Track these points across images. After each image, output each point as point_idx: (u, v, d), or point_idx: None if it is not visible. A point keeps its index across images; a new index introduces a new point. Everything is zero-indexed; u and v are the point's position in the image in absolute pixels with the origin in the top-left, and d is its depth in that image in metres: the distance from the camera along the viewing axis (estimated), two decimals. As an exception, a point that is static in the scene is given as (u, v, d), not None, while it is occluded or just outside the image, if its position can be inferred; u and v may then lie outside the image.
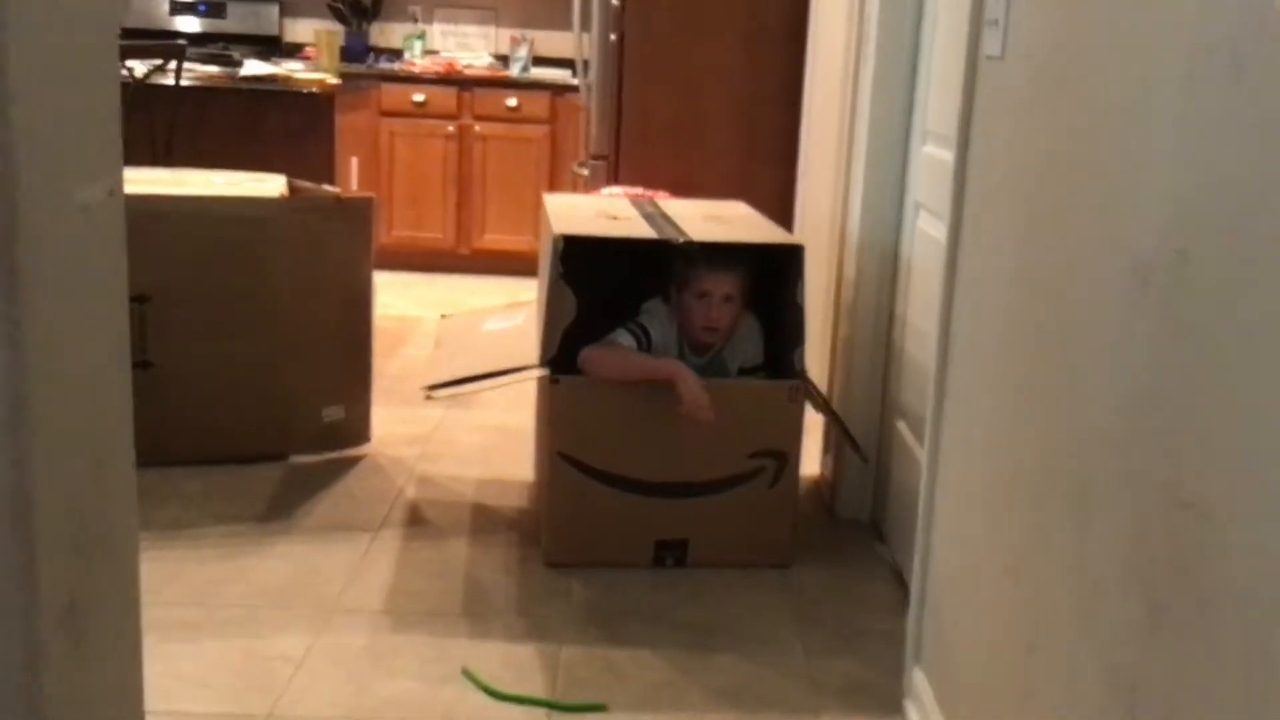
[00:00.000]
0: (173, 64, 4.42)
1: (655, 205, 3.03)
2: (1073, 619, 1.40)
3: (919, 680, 2.09)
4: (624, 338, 2.64)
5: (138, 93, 4.28)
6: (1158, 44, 1.24)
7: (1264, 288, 1.01)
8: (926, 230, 2.56)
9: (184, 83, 4.53)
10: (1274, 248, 0.99)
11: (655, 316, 2.71)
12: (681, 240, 2.60)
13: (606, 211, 2.90)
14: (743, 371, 2.73)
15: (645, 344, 2.67)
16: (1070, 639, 1.41)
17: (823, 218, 3.22)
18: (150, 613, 2.28)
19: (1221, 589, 1.06)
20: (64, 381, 1.18)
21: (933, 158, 2.54)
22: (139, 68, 4.41)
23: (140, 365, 2.97)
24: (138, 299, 2.93)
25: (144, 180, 3.22)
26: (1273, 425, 0.98)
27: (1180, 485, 1.14)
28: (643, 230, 2.67)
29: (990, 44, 1.84)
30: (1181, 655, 1.12)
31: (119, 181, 1.26)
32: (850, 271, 2.92)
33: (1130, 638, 1.24)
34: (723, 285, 2.63)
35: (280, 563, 2.59)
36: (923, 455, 2.09)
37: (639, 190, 3.42)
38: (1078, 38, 1.49)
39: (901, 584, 2.54)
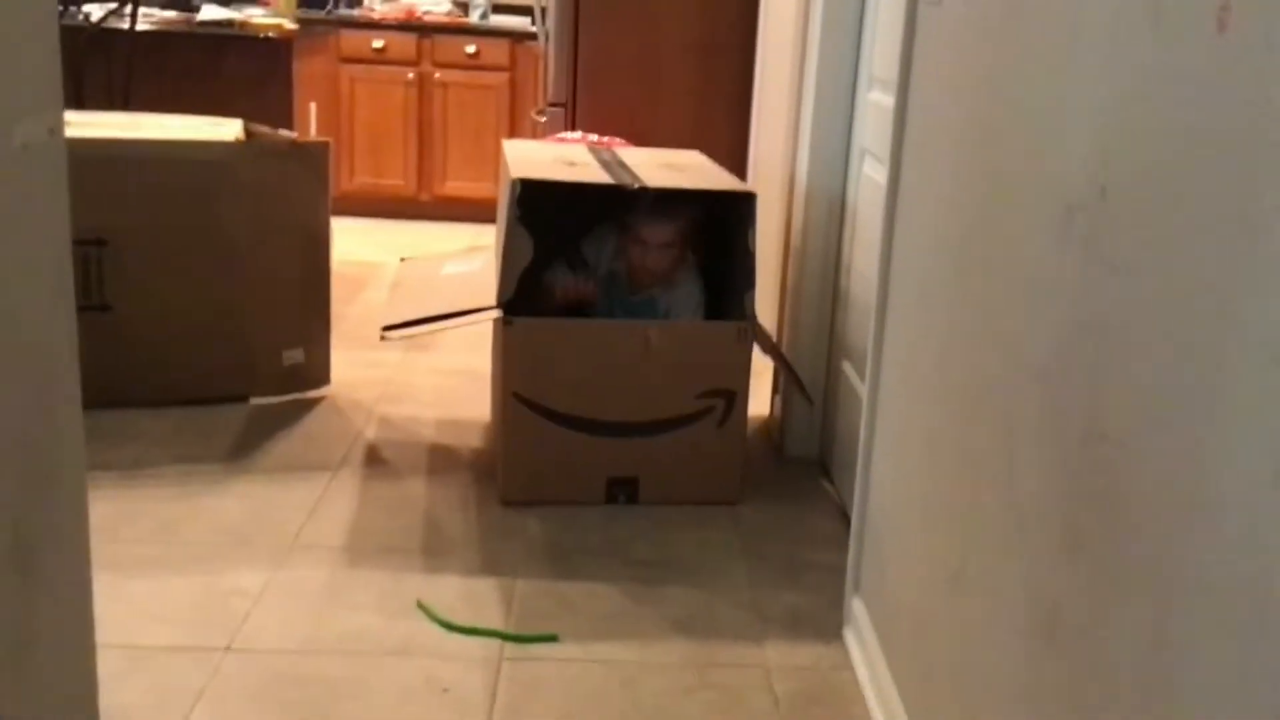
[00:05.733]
0: (128, 8, 4.39)
1: (613, 153, 3.06)
2: (999, 547, 1.47)
3: (858, 609, 2.17)
4: (559, 271, 2.79)
5: (94, 38, 4.25)
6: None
7: (1176, 223, 1.05)
8: (872, 176, 2.61)
9: (140, 27, 4.50)
10: (1186, 184, 1.04)
11: (605, 242, 2.83)
12: (636, 186, 2.64)
13: (565, 158, 2.93)
14: None
15: (581, 266, 2.82)
16: (996, 566, 1.47)
17: (774, 165, 3.26)
18: (110, 550, 2.34)
19: (1131, 517, 1.11)
20: (5, 319, 1.19)
21: (878, 104, 2.59)
22: (95, 11, 4.37)
23: (98, 308, 2.99)
24: (95, 242, 2.96)
25: (100, 124, 3.22)
26: (1181, 359, 1.03)
27: (1099, 417, 1.19)
28: (599, 176, 2.71)
29: (930, -10, 1.88)
30: (1096, 580, 1.18)
31: (60, 120, 1.26)
32: (799, 217, 2.97)
33: (1051, 564, 1.29)
34: (661, 234, 2.73)
35: (239, 501, 2.64)
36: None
37: (596, 138, 3.45)
38: (1010, -17, 1.53)
39: (845, 520, 2.62)
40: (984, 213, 1.59)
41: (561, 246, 2.83)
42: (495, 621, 2.22)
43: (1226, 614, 0.94)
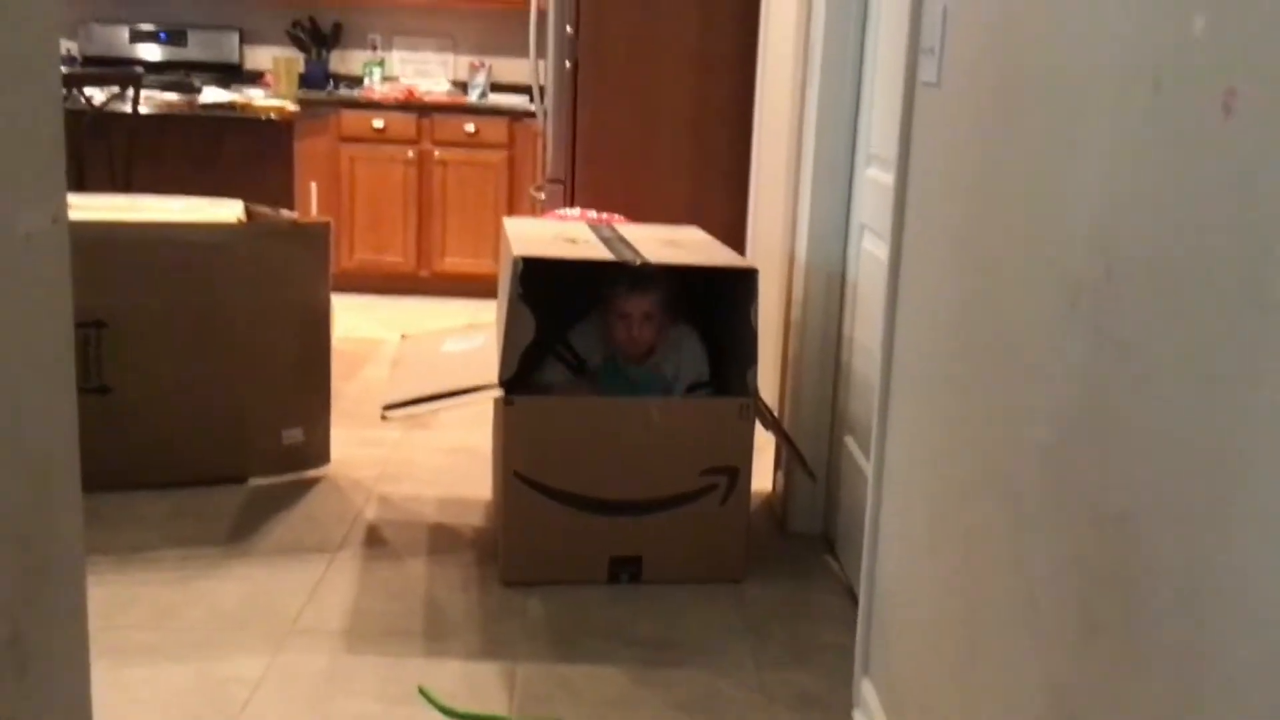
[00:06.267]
0: (130, 91, 4.44)
1: (613, 229, 3.08)
2: (1012, 629, 1.44)
3: (867, 690, 2.13)
4: (553, 371, 2.82)
5: (96, 120, 4.29)
6: (1086, 68, 1.29)
7: (1184, 303, 1.05)
8: (871, 251, 2.62)
9: (143, 110, 4.54)
10: (1192, 264, 1.04)
11: (587, 333, 2.85)
12: (639, 263, 2.65)
13: (565, 235, 2.95)
14: (690, 389, 2.79)
15: (575, 361, 2.84)
16: (1010, 649, 1.45)
17: (773, 240, 3.28)
18: (107, 637, 2.31)
19: (1149, 600, 1.09)
20: (7, 409, 1.18)
21: (876, 180, 2.61)
22: (97, 95, 4.42)
23: (98, 390, 2.98)
24: (95, 324, 2.96)
25: (101, 207, 3.24)
26: (1192, 437, 1.02)
27: (1110, 499, 1.17)
28: (600, 253, 2.72)
29: (927, 71, 1.90)
30: (1114, 665, 1.16)
31: (63, 208, 1.26)
32: (799, 291, 2.98)
33: (1066, 648, 1.27)
34: (641, 305, 2.74)
35: (239, 585, 2.61)
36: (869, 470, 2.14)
37: (596, 214, 3.47)
38: (1009, 64, 1.54)
39: (852, 597, 2.59)
40: (988, 290, 1.59)
41: (553, 339, 2.82)
42: (498, 706, 2.18)
43: (1250, 702, 0.92)
